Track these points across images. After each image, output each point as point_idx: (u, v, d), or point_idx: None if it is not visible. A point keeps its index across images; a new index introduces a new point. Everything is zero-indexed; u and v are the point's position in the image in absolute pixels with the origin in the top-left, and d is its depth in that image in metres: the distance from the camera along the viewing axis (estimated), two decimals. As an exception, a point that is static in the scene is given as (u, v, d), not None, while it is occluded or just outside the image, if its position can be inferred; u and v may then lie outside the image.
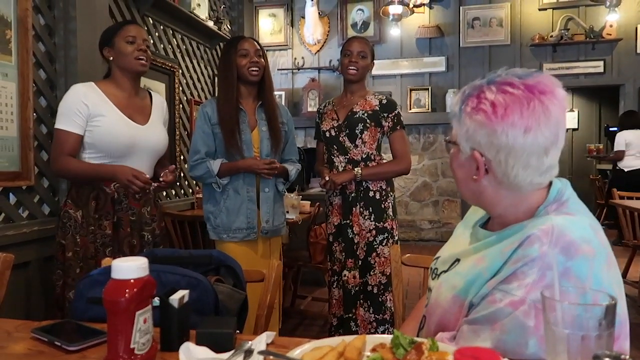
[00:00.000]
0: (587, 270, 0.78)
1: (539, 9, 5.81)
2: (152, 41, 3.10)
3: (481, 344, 0.81)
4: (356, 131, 2.37)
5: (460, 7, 5.93)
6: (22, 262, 1.97)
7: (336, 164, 2.42)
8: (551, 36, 5.68)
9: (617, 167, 5.41)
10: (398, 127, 2.40)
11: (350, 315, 2.38)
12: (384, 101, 2.41)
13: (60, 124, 1.82)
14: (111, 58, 1.91)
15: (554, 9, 5.78)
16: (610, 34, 5.56)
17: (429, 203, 6.13)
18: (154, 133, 1.95)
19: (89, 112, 1.82)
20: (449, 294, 0.91)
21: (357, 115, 2.37)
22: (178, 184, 3.51)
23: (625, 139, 5.29)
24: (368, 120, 2.36)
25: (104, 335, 0.90)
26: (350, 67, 2.37)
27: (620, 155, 5.33)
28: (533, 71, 0.87)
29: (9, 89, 1.98)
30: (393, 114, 2.39)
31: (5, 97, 1.96)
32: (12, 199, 2.05)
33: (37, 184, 2.12)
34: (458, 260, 0.96)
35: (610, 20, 5.47)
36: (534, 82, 0.84)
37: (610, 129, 7.40)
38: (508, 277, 0.81)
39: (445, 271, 0.98)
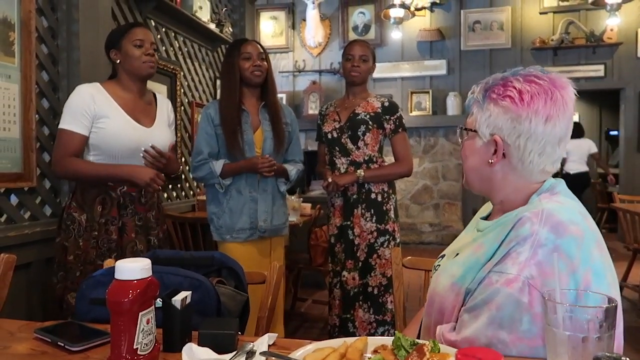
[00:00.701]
0: (575, 248, 0.82)
1: (540, 13, 5.82)
2: (154, 43, 3.10)
3: (478, 324, 0.83)
4: (358, 133, 2.38)
5: (461, 11, 5.95)
6: (23, 263, 1.98)
7: (338, 165, 2.43)
8: (552, 40, 5.69)
9: (564, 171, 6.04)
10: (400, 130, 2.41)
11: (348, 316, 2.39)
12: (386, 103, 2.42)
13: (66, 124, 1.81)
14: (118, 61, 1.90)
15: (554, 12, 5.79)
16: (611, 38, 5.58)
17: (429, 206, 6.14)
18: (159, 135, 1.95)
19: (95, 113, 1.81)
20: (447, 282, 0.94)
21: (360, 117, 2.38)
22: (179, 185, 3.52)
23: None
24: (370, 122, 2.37)
25: (107, 336, 0.90)
26: (353, 72, 2.38)
27: (562, 161, 5.99)
28: (548, 70, 0.94)
29: (12, 90, 1.99)
30: (395, 116, 2.40)
31: (8, 98, 1.97)
32: (14, 200, 2.06)
33: (39, 185, 2.13)
34: (458, 253, 0.99)
35: (611, 24, 5.49)
36: (554, 77, 0.91)
37: (611, 132, 7.43)
38: (502, 258, 0.84)
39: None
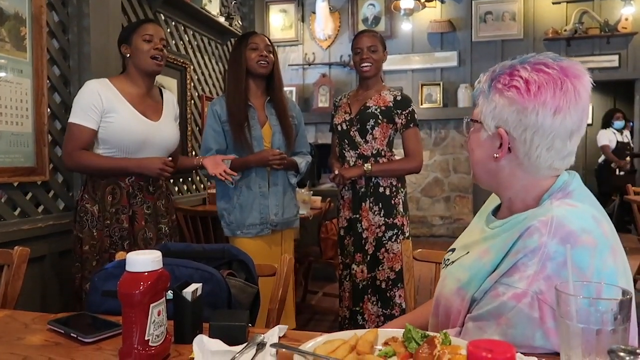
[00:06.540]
0: (588, 260, 0.78)
1: (553, 3, 5.73)
2: (164, 37, 3.11)
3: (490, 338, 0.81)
4: (367, 126, 2.36)
5: (472, 1, 5.87)
6: (37, 256, 2.00)
7: (347, 158, 2.42)
8: (565, 30, 5.60)
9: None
10: (411, 125, 2.38)
11: (357, 308, 2.39)
12: (399, 97, 2.39)
13: (75, 118, 1.84)
14: (128, 55, 1.93)
15: (567, 2, 5.69)
16: (626, 28, 5.47)
17: (440, 199, 6.10)
18: (166, 129, 1.98)
19: (103, 107, 1.84)
20: (454, 287, 0.92)
21: (370, 111, 2.36)
22: (190, 179, 3.53)
23: None
24: (380, 117, 2.35)
25: (119, 328, 0.91)
26: (363, 65, 2.35)
27: None
28: (564, 57, 0.88)
29: (24, 85, 2.01)
30: (407, 110, 2.38)
31: (20, 93, 1.99)
32: (28, 193, 2.08)
33: (51, 179, 2.15)
34: (468, 252, 0.96)
35: (626, 13, 5.39)
36: (567, 65, 0.85)
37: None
38: (509, 270, 0.81)
39: (452, 262, 0.99)
